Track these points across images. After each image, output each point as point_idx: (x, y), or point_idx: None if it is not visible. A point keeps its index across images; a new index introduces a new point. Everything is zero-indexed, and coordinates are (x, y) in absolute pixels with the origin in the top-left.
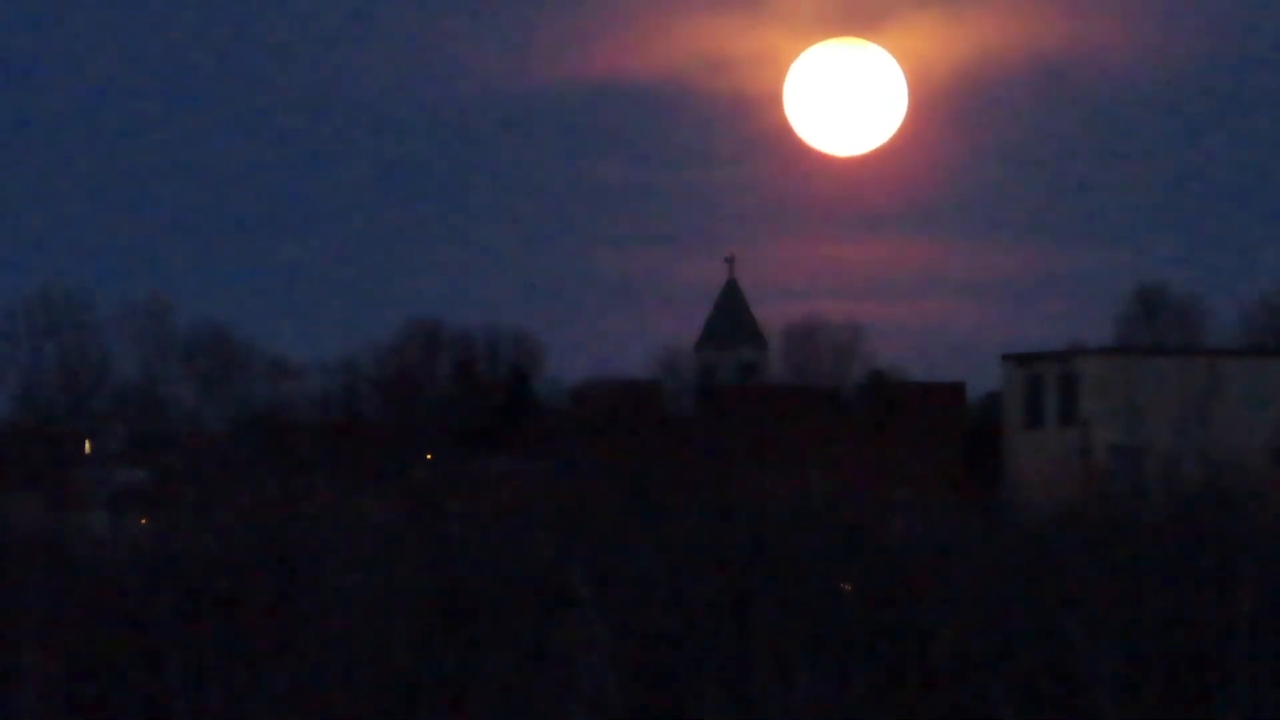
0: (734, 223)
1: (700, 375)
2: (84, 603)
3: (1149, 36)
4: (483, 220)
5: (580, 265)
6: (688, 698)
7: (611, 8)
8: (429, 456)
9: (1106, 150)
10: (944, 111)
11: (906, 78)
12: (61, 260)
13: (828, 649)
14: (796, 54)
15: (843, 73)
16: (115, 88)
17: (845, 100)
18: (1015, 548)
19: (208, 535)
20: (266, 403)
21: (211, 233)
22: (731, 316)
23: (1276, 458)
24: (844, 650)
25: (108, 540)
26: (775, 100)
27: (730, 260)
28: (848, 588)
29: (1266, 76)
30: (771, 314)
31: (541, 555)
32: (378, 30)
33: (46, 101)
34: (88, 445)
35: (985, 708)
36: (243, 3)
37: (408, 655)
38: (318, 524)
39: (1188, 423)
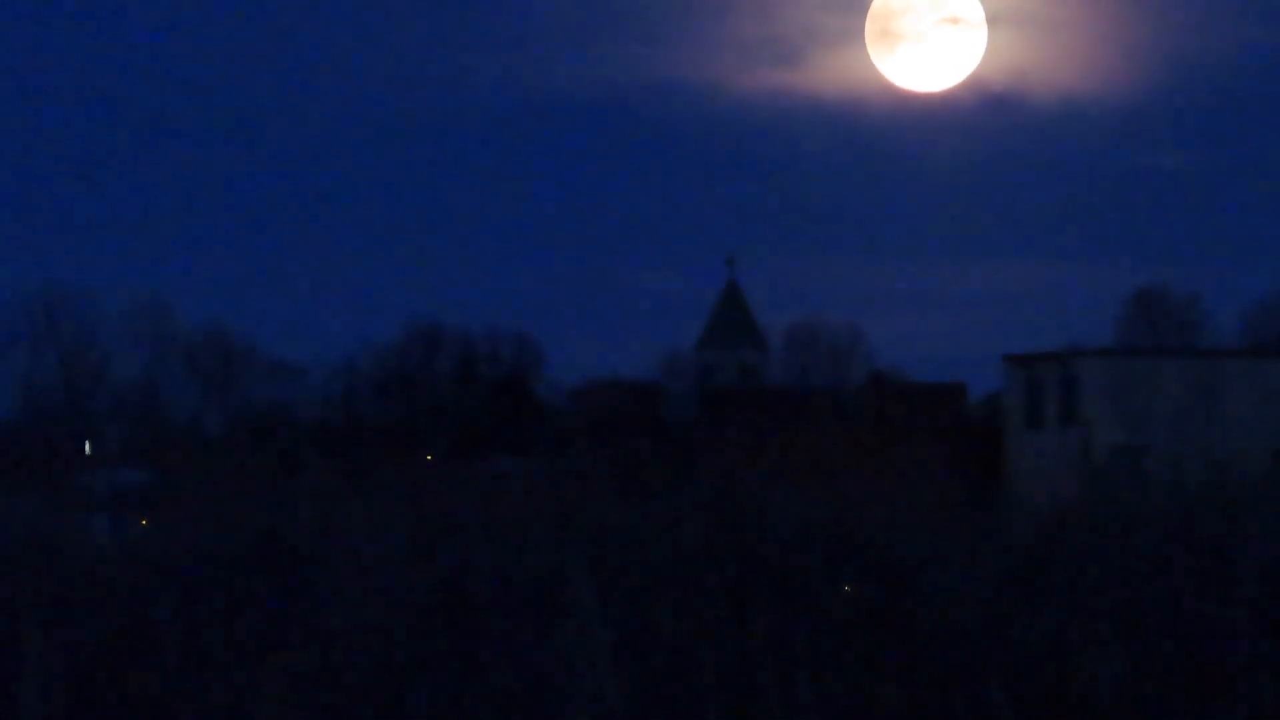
0: (733, 228)
1: (701, 377)
2: (84, 603)
3: (1105, 63)
4: (484, 221)
5: (580, 266)
6: (689, 700)
7: (616, 17)
8: (429, 457)
9: (1082, 166)
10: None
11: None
12: (61, 260)
13: (829, 651)
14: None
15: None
16: (115, 87)
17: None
18: (1015, 548)
19: (208, 535)
20: (266, 403)
21: (211, 233)
22: (732, 319)
23: (1277, 458)
24: (845, 652)
25: (108, 541)
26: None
27: (731, 262)
28: (848, 589)
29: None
30: (772, 317)
31: (541, 557)
32: (377, 35)
33: (47, 101)
34: (88, 445)
35: (984, 708)
36: (242, 3)
37: (407, 656)
38: (317, 525)
39: (1188, 423)
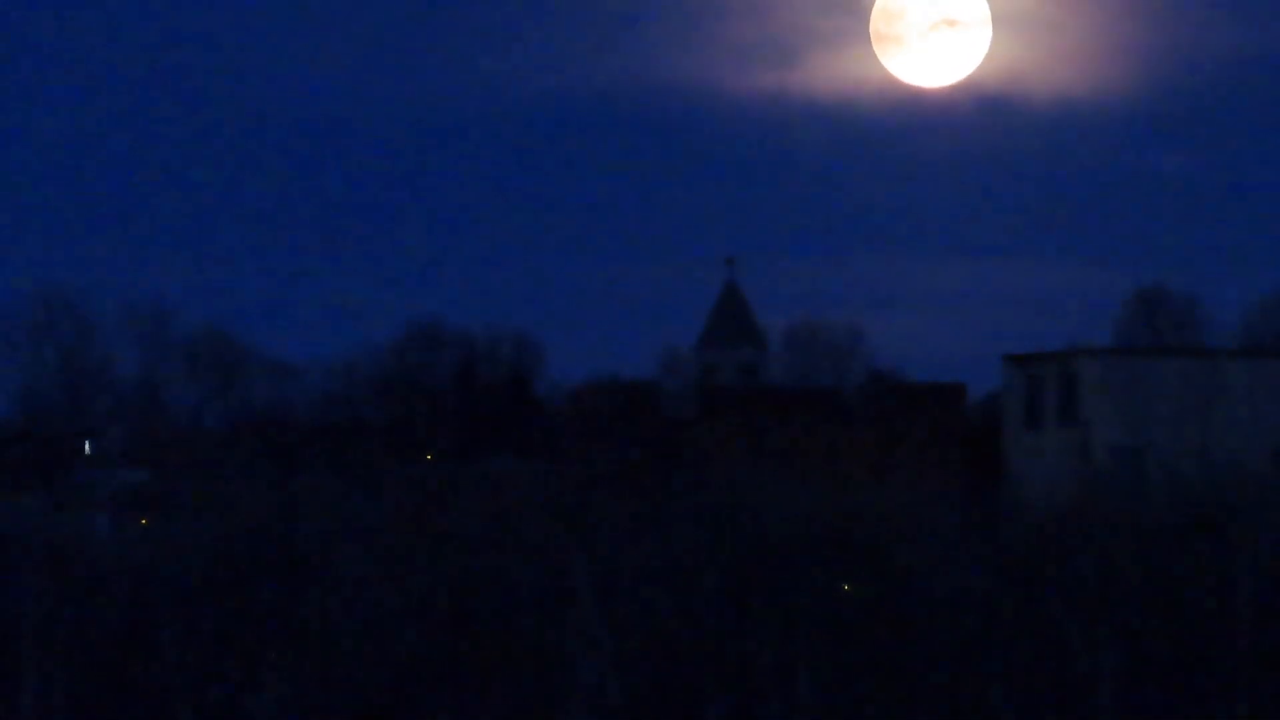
0: (733, 228)
1: (700, 377)
2: (84, 603)
3: (1104, 64)
4: (483, 221)
5: (580, 266)
6: (688, 697)
7: (616, 20)
8: (429, 457)
9: (1077, 166)
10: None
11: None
12: (61, 260)
13: (827, 649)
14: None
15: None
16: (116, 88)
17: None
18: (1014, 547)
19: (208, 536)
20: (266, 403)
21: (211, 233)
22: (731, 318)
23: (1276, 458)
24: (844, 650)
25: (108, 540)
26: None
27: (730, 262)
28: (847, 588)
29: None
30: (771, 316)
31: (542, 556)
32: (376, 37)
33: (47, 101)
34: (88, 445)
35: (984, 707)
36: (244, 5)
37: (408, 654)
38: (318, 525)
39: (1187, 423)
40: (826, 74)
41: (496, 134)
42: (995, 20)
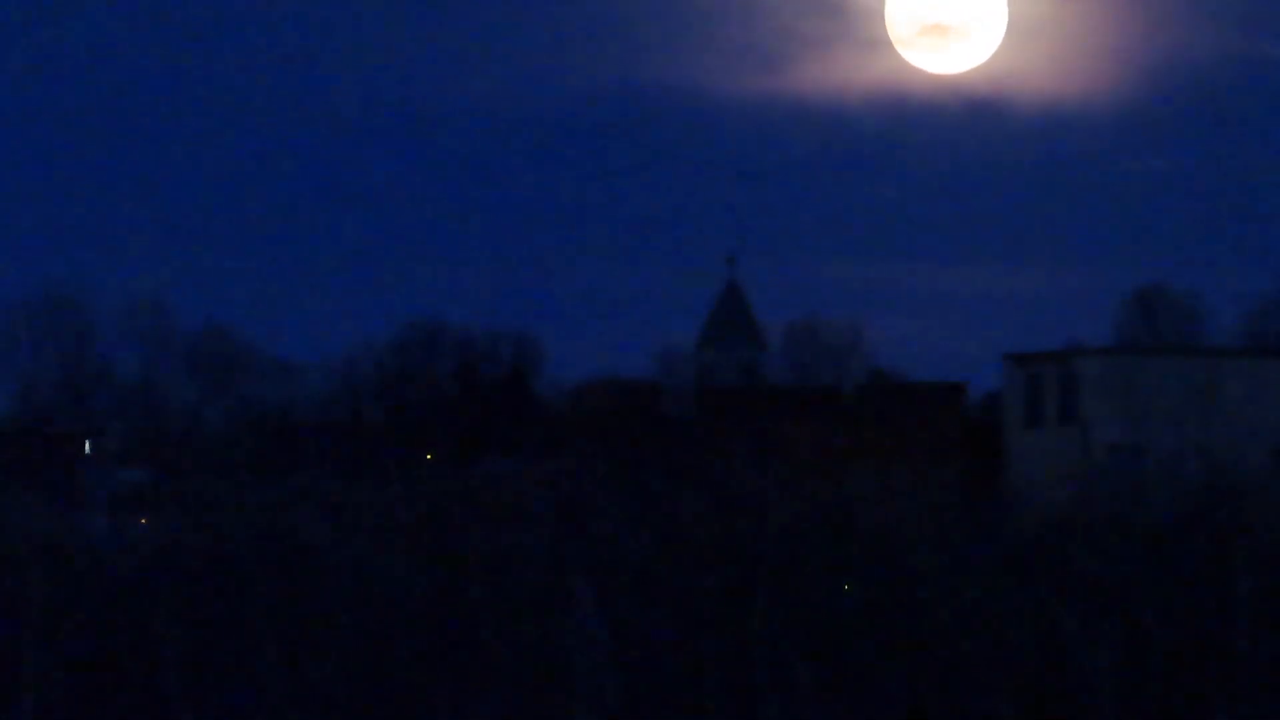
0: (731, 228)
1: (700, 376)
2: (84, 603)
3: (1099, 67)
4: (483, 221)
5: (580, 266)
6: (687, 697)
7: (618, 21)
8: (429, 457)
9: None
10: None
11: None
12: (61, 260)
13: (827, 649)
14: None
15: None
16: (116, 87)
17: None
18: (1014, 547)
19: (208, 535)
20: (266, 403)
21: (211, 233)
22: (732, 318)
23: (1276, 458)
24: (843, 650)
25: (108, 540)
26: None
27: (731, 261)
28: (847, 588)
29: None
30: (771, 316)
31: (541, 555)
32: (376, 38)
33: (47, 100)
34: (88, 445)
35: (985, 706)
36: (246, 5)
37: (408, 654)
38: (318, 524)
39: (1187, 422)
40: (826, 76)
41: (496, 136)
42: (992, 23)
